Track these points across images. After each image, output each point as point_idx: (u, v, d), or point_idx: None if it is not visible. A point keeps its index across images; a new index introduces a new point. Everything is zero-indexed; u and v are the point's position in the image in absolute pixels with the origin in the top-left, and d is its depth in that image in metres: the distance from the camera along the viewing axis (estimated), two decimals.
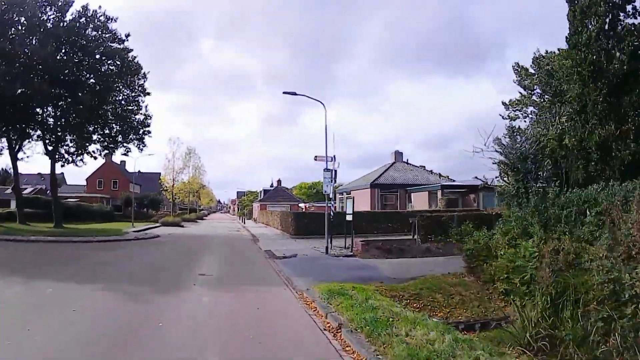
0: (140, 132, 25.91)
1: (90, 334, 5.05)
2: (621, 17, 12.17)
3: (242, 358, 4.58)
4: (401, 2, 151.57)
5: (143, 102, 25.89)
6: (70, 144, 25.19)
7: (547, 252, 8.01)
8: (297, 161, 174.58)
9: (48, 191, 33.74)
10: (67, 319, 5.71)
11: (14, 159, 24.75)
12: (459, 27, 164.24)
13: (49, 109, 24.18)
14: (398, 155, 37.67)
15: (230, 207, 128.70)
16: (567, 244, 8.03)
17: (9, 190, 33.37)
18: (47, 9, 22.70)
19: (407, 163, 37.34)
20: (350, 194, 33.77)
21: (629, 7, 12.04)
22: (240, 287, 8.50)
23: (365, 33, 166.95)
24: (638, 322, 5.42)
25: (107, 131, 25.66)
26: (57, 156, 24.71)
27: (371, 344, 4.45)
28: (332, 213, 15.42)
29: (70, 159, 25.20)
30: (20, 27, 21.89)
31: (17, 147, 24.62)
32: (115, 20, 23.72)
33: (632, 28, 11.75)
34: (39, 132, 24.66)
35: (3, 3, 20.84)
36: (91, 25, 23.37)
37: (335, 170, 14.99)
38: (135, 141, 26.00)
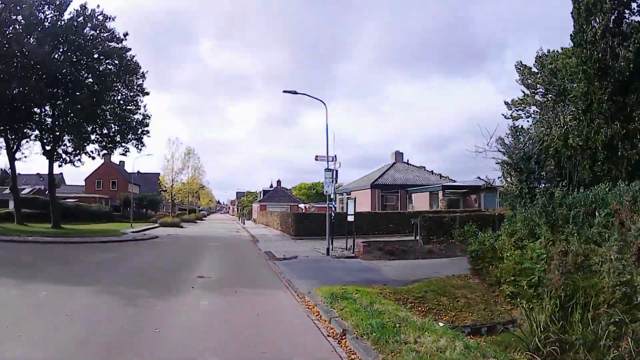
0: (139, 132, 25.70)
1: (82, 341, 4.82)
2: (626, 15, 12.00)
3: None
4: (401, 2, 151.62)
5: (141, 101, 25.72)
6: (68, 144, 24.98)
7: (555, 254, 7.82)
8: (296, 162, 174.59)
9: (47, 191, 33.48)
10: (59, 324, 5.48)
11: (12, 159, 24.55)
12: (459, 27, 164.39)
13: (47, 108, 23.97)
14: (398, 155, 37.48)
15: (229, 208, 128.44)
16: (575, 245, 7.86)
17: (7, 191, 33.14)
18: (45, 8, 22.47)
19: (408, 163, 37.15)
20: (350, 194, 33.59)
21: (634, 5, 11.88)
22: (240, 290, 8.26)
23: (365, 33, 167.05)
24: None
25: (105, 131, 25.44)
26: (54, 156, 24.47)
27: (379, 352, 4.21)
28: (333, 214, 15.19)
29: (68, 159, 25.00)
30: (17, 26, 21.65)
31: (15, 147, 24.44)
32: (113, 19, 23.53)
33: (638, 25, 11.57)
34: (36, 132, 24.49)
35: (0, 2, 20.63)
36: (89, 25, 23.15)
37: (337, 170, 14.78)
38: (133, 141, 25.80)
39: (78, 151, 24.88)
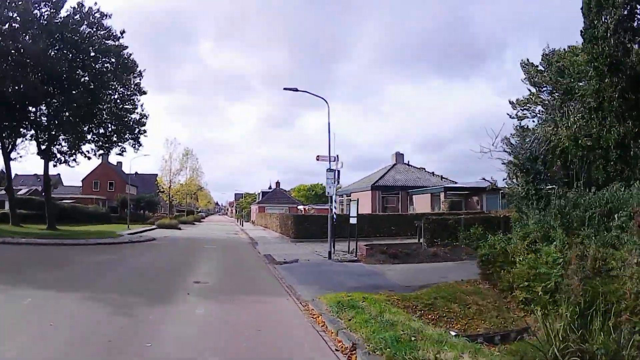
0: (136, 132, 25.27)
1: (64, 357, 4.35)
2: (638, 10, 11.64)
3: None
4: (401, 2, 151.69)
5: (139, 101, 25.30)
6: (64, 144, 24.52)
7: (573, 258, 7.41)
8: (295, 163, 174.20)
9: (43, 192, 33.01)
10: (40, 336, 5.00)
11: (7, 159, 24.13)
12: (459, 27, 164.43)
13: (42, 107, 23.54)
14: (399, 156, 37.13)
15: (228, 209, 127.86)
16: (593, 249, 7.46)
17: (3, 191, 32.64)
18: (41, 5, 22.06)
19: (409, 165, 36.78)
20: (350, 196, 33.19)
21: None
22: (238, 297, 7.79)
23: (365, 33, 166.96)
24: None
25: (101, 130, 25.01)
26: (50, 156, 24.00)
27: None
28: (335, 216, 14.75)
29: (63, 158, 24.55)
30: (12, 23, 21.21)
31: (10, 146, 23.99)
32: (110, 17, 23.14)
33: None
34: (32, 132, 24.06)
35: None
36: (85, 22, 22.74)
37: (339, 171, 14.34)
38: (130, 141, 25.36)
39: (73, 151, 24.44)
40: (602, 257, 7.34)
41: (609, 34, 11.25)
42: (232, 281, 9.89)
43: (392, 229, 21.88)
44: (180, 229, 33.88)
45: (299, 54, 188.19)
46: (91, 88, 22.72)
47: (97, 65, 23.31)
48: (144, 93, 25.30)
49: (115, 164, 56.05)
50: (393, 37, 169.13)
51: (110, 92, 24.33)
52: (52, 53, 21.86)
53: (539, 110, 18.59)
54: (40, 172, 25.02)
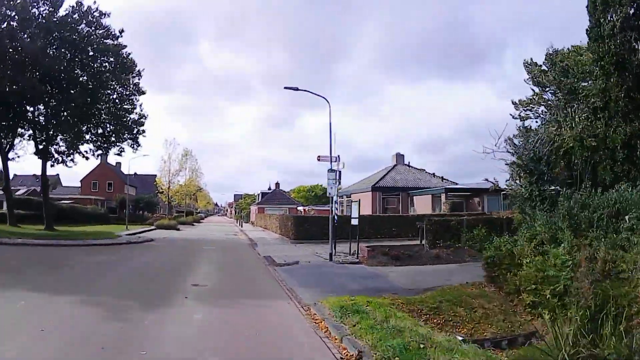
0: (135, 132, 25.03)
1: None
2: None
3: None
4: (401, 2, 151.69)
5: (137, 100, 25.06)
6: (62, 144, 24.29)
7: (582, 261, 7.22)
8: (295, 164, 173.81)
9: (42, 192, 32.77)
10: (31, 343, 4.77)
11: (5, 159, 23.90)
12: (459, 28, 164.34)
13: (40, 107, 23.31)
14: (399, 157, 36.93)
15: (227, 210, 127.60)
16: (602, 251, 7.27)
17: (0, 192, 32.43)
18: (40, 4, 21.85)
19: (409, 166, 36.57)
20: (350, 197, 32.99)
21: None
22: (238, 300, 7.55)
23: (365, 33, 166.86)
24: None
25: (100, 130, 24.78)
26: (47, 155, 23.78)
27: None
28: (336, 217, 14.52)
29: (60, 158, 24.28)
30: (10, 22, 21.00)
31: (7, 146, 23.77)
32: (109, 15, 22.92)
33: None
34: (30, 132, 23.85)
35: None
36: (84, 21, 22.53)
37: (340, 171, 14.13)
38: (129, 141, 25.12)
39: (71, 151, 24.20)
40: (612, 259, 7.17)
41: (615, 32, 11.07)
42: (231, 283, 9.66)
43: (393, 230, 21.68)
44: (179, 229, 33.67)
45: (299, 54, 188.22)
46: (90, 87, 22.51)
47: (95, 65, 23.10)
48: (143, 93, 25.11)
49: (114, 164, 55.82)
50: (393, 37, 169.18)
51: (108, 91, 24.11)
52: (51, 52, 21.65)
53: (542, 111, 18.42)
54: (39, 172, 24.76)
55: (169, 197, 44.53)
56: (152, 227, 32.17)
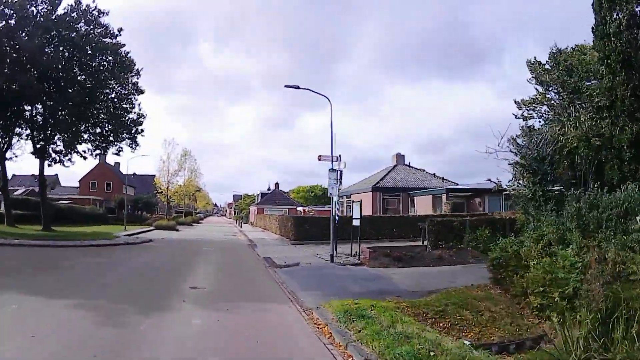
0: (133, 132, 24.80)
1: None
2: None
3: None
4: (401, 2, 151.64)
5: (136, 100, 24.84)
6: (59, 143, 24.07)
7: (593, 262, 7.02)
8: (295, 164, 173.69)
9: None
10: (23, 349, 4.56)
11: (2, 159, 23.68)
12: (459, 28, 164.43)
13: (38, 106, 23.09)
14: (400, 157, 36.73)
15: (226, 211, 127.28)
16: (613, 252, 7.08)
17: None
18: (38, 2, 21.63)
19: (409, 166, 36.38)
20: (350, 197, 32.79)
21: None
22: (237, 304, 7.31)
23: (365, 33, 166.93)
24: None
25: (98, 130, 24.55)
26: (44, 155, 23.54)
27: None
28: (337, 217, 14.30)
29: (57, 158, 24.05)
30: (8, 20, 20.79)
31: (5, 146, 23.54)
32: (107, 14, 22.73)
33: None
34: (28, 132, 23.62)
35: None
36: (83, 20, 22.32)
37: (341, 171, 13.91)
38: (127, 140, 24.89)
39: (69, 150, 23.96)
40: (622, 261, 6.99)
41: (621, 30, 10.91)
42: (230, 286, 9.43)
43: (393, 230, 21.46)
44: (177, 230, 33.45)
45: (299, 54, 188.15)
46: (88, 86, 22.32)
47: (94, 64, 22.89)
48: (142, 92, 24.88)
49: (113, 164, 55.57)
50: (393, 37, 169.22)
51: (107, 91, 23.89)
52: (49, 51, 21.44)
53: (544, 110, 18.24)
54: (37, 171, 24.53)
55: (168, 197, 44.26)
56: (151, 228, 31.94)
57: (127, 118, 24.80)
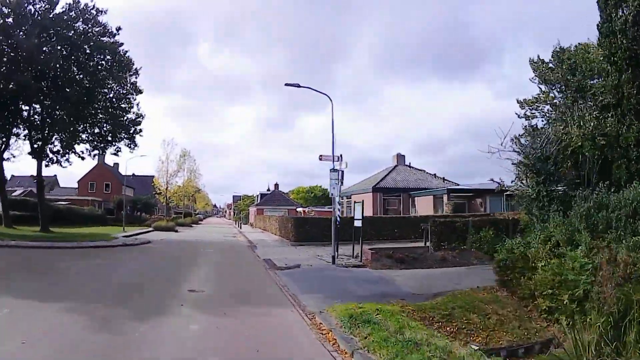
0: (131, 132, 24.55)
1: None
2: None
3: None
4: (401, 2, 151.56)
5: (135, 99, 24.58)
6: (57, 143, 23.81)
7: (603, 264, 6.81)
8: (294, 165, 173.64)
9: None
10: (12, 354, 4.34)
11: (0, 159, 23.37)
12: (459, 28, 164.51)
13: (36, 106, 22.86)
14: (400, 158, 36.54)
15: (226, 212, 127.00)
16: (624, 253, 6.88)
17: None
18: (36, 1, 21.41)
19: (410, 166, 36.19)
20: (350, 197, 32.59)
21: None
22: (237, 308, 7.06)
23: (365, 33, 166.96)
24: None
25: (96, 130, 24.30)
26: (42, 155, 23.30)
27: None
28: (338, 218, 14.08)
29: (55, 158, 23.80)
30: (6, 19, 20.56)
31: (2, 146, 23.29)
32: (105, 12, 22.48)
33: None
34: (25, 132, 23.38)
35: None
36: (81, 19, 22.10)
37: (342, 171, 13.70)
38: (126, 140, 24.64)
39: (67, 150, 23.72)
40: (633, 262, 6.79)
41: (627, 27, 10.73)
42: (230, 289, 9.19)
43: (395, 231, 21.25)
44: (177, 231, 33.22)
45: (299, 54, 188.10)
46: (86, 86, 22.07)
47: (92, 63, 22.60)
48: (140, 92, 24.61)
49: (111, 165, 55.31)
50: (393, 38, 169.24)
51: (105, 90, 23.59)
52: (46, 50, 21.18)
53: (547, 110, 18.05)
54: (35, 172, 24.26)
55: (167, 198, 44.03)
56: (150, 229, 31.72)
57: (125, 118, 24.53)
